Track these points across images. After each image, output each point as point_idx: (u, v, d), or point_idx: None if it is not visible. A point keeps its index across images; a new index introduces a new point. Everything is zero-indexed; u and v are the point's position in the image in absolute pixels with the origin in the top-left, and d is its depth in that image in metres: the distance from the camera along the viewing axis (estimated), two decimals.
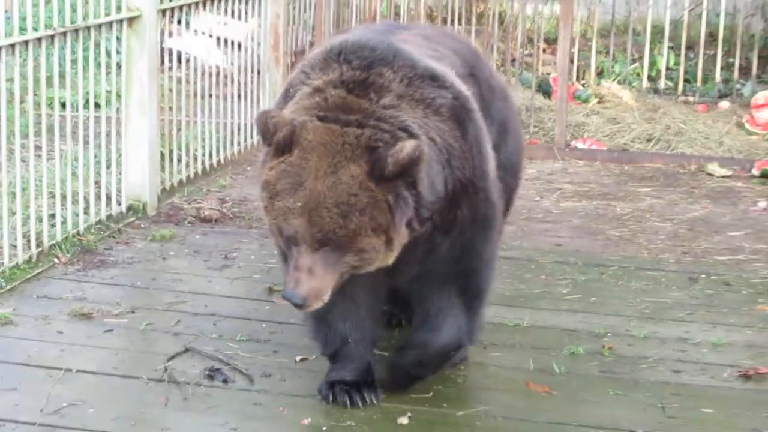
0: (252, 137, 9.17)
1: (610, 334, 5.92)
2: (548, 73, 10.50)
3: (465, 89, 4.72)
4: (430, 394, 5.20)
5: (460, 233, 4.67)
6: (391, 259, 4.41)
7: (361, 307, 4.91)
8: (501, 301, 6.27)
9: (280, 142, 4.26)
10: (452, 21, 10.51)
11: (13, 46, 6.43)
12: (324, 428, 4.85)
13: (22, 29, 6.75)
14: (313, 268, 4.23)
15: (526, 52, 10.97)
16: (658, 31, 10.87)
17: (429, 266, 4.80)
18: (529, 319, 6.08)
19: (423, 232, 4.48)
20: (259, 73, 9.34)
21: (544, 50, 11.15)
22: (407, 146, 4.14)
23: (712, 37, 11.23)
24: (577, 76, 10.61)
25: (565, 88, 9.57)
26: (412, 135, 4.28)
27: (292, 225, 4.19)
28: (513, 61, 10.50)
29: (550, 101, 10.06)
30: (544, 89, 10.41)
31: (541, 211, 8.03)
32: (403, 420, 5.00)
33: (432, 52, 4.93)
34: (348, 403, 4.84)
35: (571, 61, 9.85)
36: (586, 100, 10.44)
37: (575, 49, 10.14)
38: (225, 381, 5.25)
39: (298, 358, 5.51)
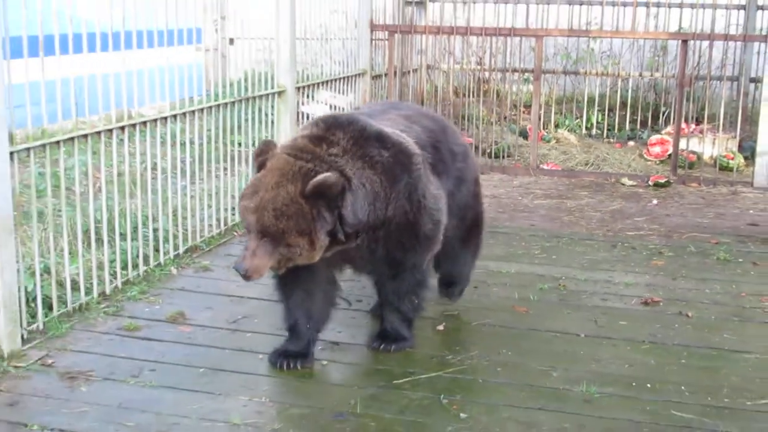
0: None
1: (564, 277, 5.82)
2: (526, 125, 10.36)
3: (410, 151, 4.26)
4: (456, 313, 5.16)
5: (384, 246, 4.22)
6: (315, 257, 3.98)
7: (314, 299, 4.39)
8: (497, 258, 6.22)
9: (257, 164, 4.07)
10: (468, 95, 10.39)
11: (211, 107, 6.45)
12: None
13: (216, 97, 6.75)
14: (256, 251, 3.90)
15: (513, 112, 10.84)
16: (591, 100, 10.74)
17: (375, 266, 4.38)
18: (516, 268, 6.00)
19: (357, 244, 4.12)
20: None
21: (523, 111, 11.03)
22: (325, 176, 3.84)
23: (623, 103, 11.16)
24: (543, 126, 10.47)
25: (536, 133, 9.52)
26: (343, 175, 3.94)
27: (247, 219, 3.92)
28: (505, 117, 10.39)
29: (527, 141, 9.94)
30: (523, 134, 10.29)
31: (522, 205, 7.94)
32: (440, 327, 4.96)
33: (402, 126, 4.48)
34: (284, 367, 4.30)
35: (540, 118, 9.73)
36: (548, 141, 10.35)
37: (542, 111, 10.00)
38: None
39: None
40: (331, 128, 4.10)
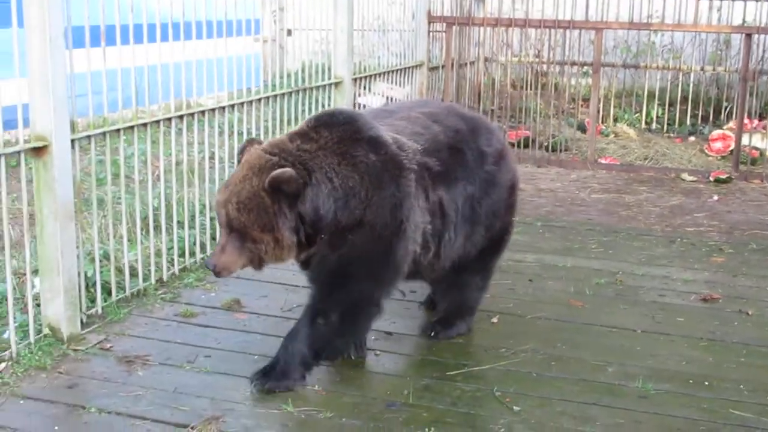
0: None
1: (621, 272, 5.74)
2: (584, 118, 10.25)
3: (403, 165, 3.91)
4: (511, 305, 5.13)
5: (345, 252, 3.84)
6: (285, 257, 3.82)
7: None
8: (553, 251, 6.17)
9: (237, 159, 3.96)
10: (526, 87, 10.31)
11: (268, 98, 6.49)
12: None
13: (274, 87, 6.79)
14: (226, 247, 3.75)
15: (571, 106, 10.73)
16: (651, 94, 10.61)
17: (314, 272, 4.01)
18: (571, 262, 5.94)
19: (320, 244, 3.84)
20: None
21: (581, 105, 10.90)
22: (282, 171, 3.65)
23: (684, 98, 10.96)
24: (602, 120, 10.36)
25: (594, 127, 9.40)
26: (305, 168, 3.73)
27: (218, 212, 3.80)
28: (563, 111, 10.28)
29: (585, 134, 9.83)
30: (581, 127, 10.19)
31: (579, 199, 7.85)
32: (494, 320, 4.93)
33: (419, 127, 4.20)
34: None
35: (598, 111, 9.62)
36: (607, 135, 10.23)
37: (600, 104, 9.89)
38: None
39: None
40: (320, 126, 3.89)
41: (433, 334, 4.58)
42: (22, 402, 3.82)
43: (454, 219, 4.19)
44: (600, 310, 5.08)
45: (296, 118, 7.04)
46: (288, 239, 3.74)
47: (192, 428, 3.60)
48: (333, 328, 3.95)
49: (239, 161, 3.90)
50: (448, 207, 4.15)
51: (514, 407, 3.88)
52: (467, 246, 4.35)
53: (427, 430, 3.66)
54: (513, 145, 9.62)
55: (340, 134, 3.85)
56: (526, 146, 9.62)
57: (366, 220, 3.81)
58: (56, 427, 3.63)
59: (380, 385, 4.09)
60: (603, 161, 9.27)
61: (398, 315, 4.89)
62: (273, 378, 3.95)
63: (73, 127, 4.43)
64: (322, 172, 3.76)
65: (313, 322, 3.94)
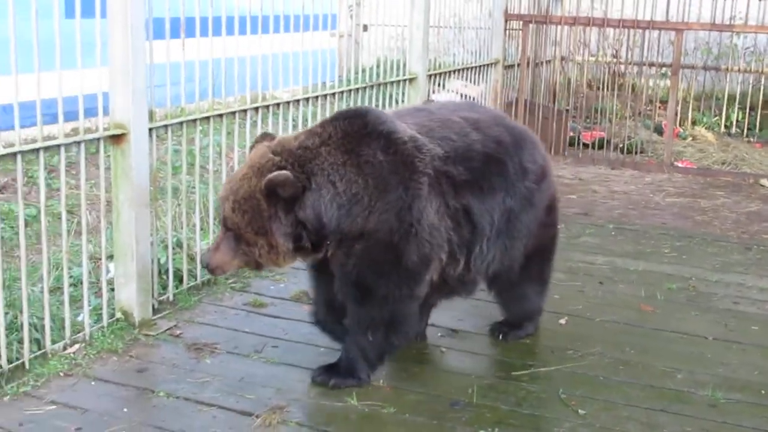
0: None
1: (693, 278, 5.64)
2: (661, 120, 10.08)
3: (415, 165, 3.70)
4: (580, 307, 5.06)
5: (357, 263, 3.70)
6: (280, 262, 3.70)
7: (330, 294, 3.95)
8: (626, 255, 6.08)
9: (250, 149, 3.85)
10: (603, 88, 10.18)
11: (342, 92, 6.52)
12: None
13: (349, 82, 6.82)
14: (221, 246, 3.65)
15: (648, 107, 10.57)
16: (731, 97, 10.38)
17: (341, 283, 3.84)
18: (643, 266, 5.85)
19: (332, 251, 3.72)
20: None
21: (659, 107, 10.72)
22: (277, 174, 3.50)
23: (766, 102, 10.68)
24: (680, 123, 10.17)
25: (672, 129, 9.24)
26: (304, 171, 3.58)
27: (221, 207, 3.69)
28: (640, 112, 10.13)
29: (662, 137, 9.67)
30: (659, 130, 10.03)
31: (653, 202, 7.72)
32: (562, 321, 4.88)
33: (453, 133, 3.94)
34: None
35: (676, 114, 9.44)
36: (684, 138, 10.05)
37: (678, 107, 9.71)
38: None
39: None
40: (329, 120, 3.76)
41: (501, 336, 4.55)
42: (93, 383, 3.91)
43: (488, 231, 3.99)
44: (671, 316, 4.99)
45: None
46: (283, 245, 3.60)
47: (257, 417, 3.64)
48: (382, 338, 3.88)
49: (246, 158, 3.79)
50: (480, 217, 3.94)
51: (580, 410, 3.84)
52: (504, 261, 4.17)
53: (490, 430, 3.64)
54: (587, 146, 9.53)
55: (345, 128, 3.67)
56: (600, 147, 9.51)
57: (368, 229, 3.64)
58: (125, 409, 3.70)
59: (445, 382, 4.08)
60: (679, 164, 9.11)
61: (465, 312, 4.87)
62: (338, 375, 3.94)
63: (151, 117, 4.51)
64: (324, 175, 3.59)
65: (363, 335, 3.87)
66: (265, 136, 3.85)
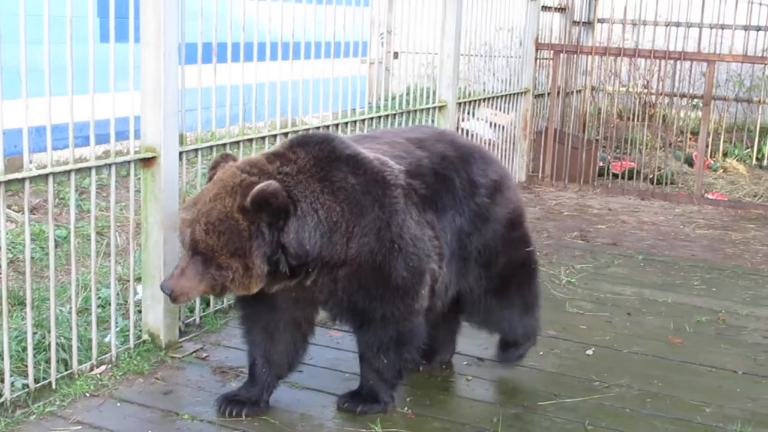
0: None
1: (723, 311, 5.57)
2: (692, 152, 10.03)
3: (386, 180, 3.64)
4: (608, 338, 5.02)
5: (344, 288, 3.62)
6: (252, 287, 3.48)
7: (276, 342, 3.82)
8: (655, 286, 6.03)
9: (208, 176, 3.63)
10: (633, 118, 10.15)
11: (372, 119, 6.55)
12: (541, 353, 4.75)
13: (378, 108, 6.85)
14: (186, 270, 3.44)
15: (679, 138, 10.52)
16: (763, 129, 10.32)
17: (337, 311, 3.80)
18: (672, 298, 5.79)
19: (312, 282, 3.59)
20: (513, 143, 9.25)
21: (690, 138, 10.66)
22: (266, 184, 3.35)
23: None
24: (711, 154, 10.12)
25: (702, 161, 9.18)
26: (289, 196, 3.44)
27: (183, 232, 3.48)
28: (670, 143, 10.08)
29: (692, 168, 9.61)
30: (689, 161, 9.98)
31: (683, 234, 7.66)
32: (589, 352, 4.84)
33: (400, 151, 3.89)
34: (227, 413, 3.83)
35: (707, 145, 9.40)
36: (715, 170, 9.99)
37: (710, 138, 9.66)
38: None
39: None
40: (295, 146, 3.62)
41: (499, 359, 4.51)
42: (119, 404, 3.93)
43: (446, 251, 3.87)
44: (700, 349, 4.93)
45: None
46: (259, 267, 3.42)
47: None
48: (395, 356, 3.82)
49: (210, 178, 3.60)
50: (441, 235, 3.85)
51: None
52: (461, 284, 4.07)
53: None
54: (617, 176, 9.48)
55: (316, 154, 3.58)
56: (630, 178, 9.47)
57: (349, 255, 3.56)
58: (149, 431, 3.71)
59: (469, 410, 4.05)
60: (710, 196, 9.04)
61: (491, 342, 4.84)
62: (363, 401, 3.91)
63: (181, 140, 4.55)
64: (307, 203, 3.48)
65: (377, 358, 3.81)
66: (226, 157, 3.69)
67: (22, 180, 3.75)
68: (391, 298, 3.67)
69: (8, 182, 3.68)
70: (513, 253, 4.20)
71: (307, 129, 5.68)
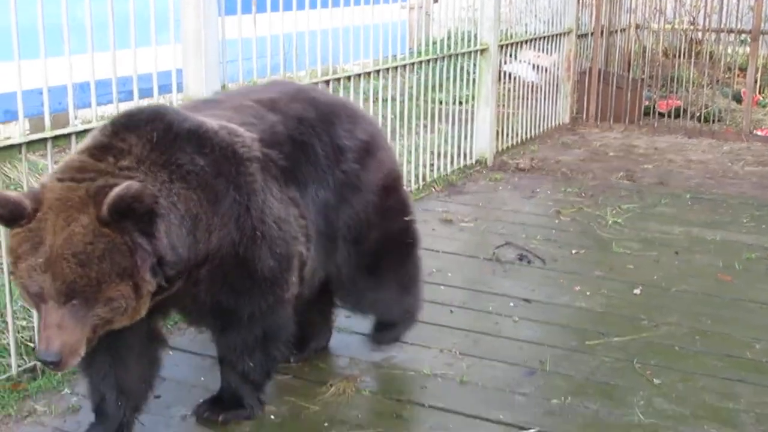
0: (552, 122, 8.97)
1: None
2: (740, 88, 9.81)
3: (238, 155, 3.06)
4: (656, 277, 4.98)
5: (207, 289, 3.06)
6: (142, 310, 2.82)
7: (127, 365, 3.16)
8: (703, 225, 5.96)
9: (16, 215, 2.69)
10: (679, 56, 9.93)
11: (413, 64, 6.51)
12: (588, 293, 4.74)
13: (419, 54, 6.80)
14: (62, 323, 2.65)
15: (726, 75, 10.28)
16: None
17: (197, 316, 3.27)
18: (721, 236, 5.72)
19: (176, 286, 2.94)
20: (557, 85, 9.12)
21: (737, 75, 10.42)
22: (125, 186, 2.64)
23: None
24: (759, 90, 9.90)
25: (751, 97, 9.00)
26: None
27: (36, 281, 2.65)
28: (718, 80, 9.86)
29: (741, 105, 9.42)
30: (737, 98, 9.78)
31: (731, 172, 7.53)
32: (637, 291, 4.79)
33: (250, 116, 3.30)
34: None
35: (756, 81, 9.18)
36: (764, 106, 9.80)
37: (758, 74, 9.42)
38: (529, 262, 5.17)
39: (574, 251, 5.39)
40: (120, 132, 2.91)
41: (372, 339, 4.02)
42: (171, 353, 3.97)
43: (311, 232, 3.37)
44: (750, 286, 4.88)
45: (441, 85, 7.04)
46: (150, 284, 2.78)
47: (330, 385, 3.68)
48: (263, 357, 3.33)
49: (34, 212, 2.70)
50: (304, 211, 3.34)
51: (655, 380, 3.78)
52: (329, 266, 3.56)
53: (564, 399, 3.61)
54: (663, 115, 9.32)
55: (149, 137, 2.90)
56: (677, 116, 9.31)
57: (211, 250, 2.99)
58: (202, 378, 3.78)
59: (518, 352, 4.06)
60: (759, 133, 8.87)
61: (537, 283, 4.85)
62: (226, 409, 3.42)
63: (224, 90, 4.55)
64: (164, 197, 2.83)
65: (242, 362, 3.32)
66: (31, 193, 2.78)
67: (69, 135, 3.79)
68: (259, 291, 3.17)
69: (55, 138, 3.72)
70: (388, 225, 3.71)
71: (348, 76, 5.66)
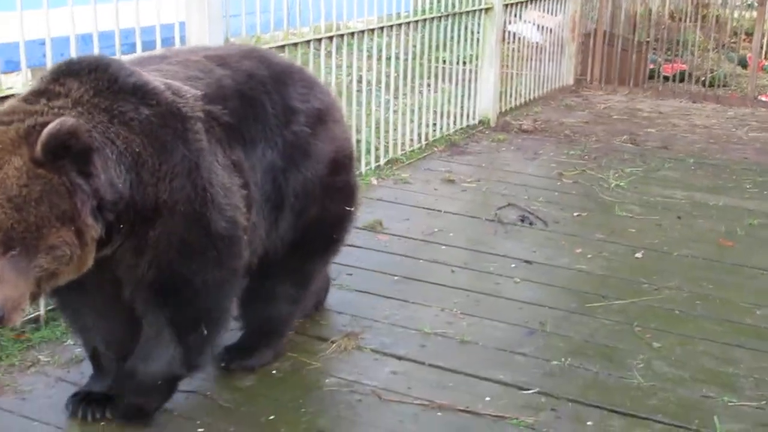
0: (556, 84, 8.92)
1: None
2: (746, 53, 9.76)
3: (183, 113, 2.86)
4: (657, 241, 4.98)
5: (155, 257, 2.82)
6: (88, 259, 2.64)
7: (110, 317, 3.08)
8: (706, 190, 5.96)
9: None
10: (685, 19, 9.86)
11: (417, 22, 6.47)
12: (589, 255, 4.75)
13: (423, 11, 6.76)
14: (3, 276, 2.47)
15: (732, 39, 10.22)
16: None
17: (134, 290, 2.92)
18: (724, 202, 5.71)
19: (117, 246, 2.76)
20: (561, 46, 9.06)
21: (743, 39, 10.35)
22: (58, 122, 2.48)
23: None
24: (765, 56, 9.84)
25: (756, 63, 8.95)
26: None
27: None
28: (724, 45, 9.80)
29: (746, 70, 9.38)
30: (743, 63, 9.72)
31: (735, 137, 7.52)
32: (638, 255, 4.80)
33: (197, 71, 3.13)
34: (88, 417, 3.10)
35: (761, 46, 9.14)
36: None
37: (764, 39, 9.38)
38: (530, 223, 5.18)
39: (575, 214, 5.39)
40: (61, 78, 2.75)
41: (224, 364, 3.49)
42: None
43: (255, 195, 3.16)
44: (752, 252, 4.89)
45: (444, 44, 6.99)
46: (93, 228, 2.61)
47: (332, 342, 3.70)
48: (205, 336, 3.04)
49: None
50: (249, 176, 3.11)
51: (654, 343, 3.80)
52: (273, 238, 3.32)
53: (563, 360, 3.64)
54: (667, 78, 9.27)
55: (93, 84, 2.74)
56: (681, 80, 9.27)
57: (162, 201, 2.79)
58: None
59: (518, 312, 4.07)
60: (764, 99, 8.84)
61: (539, 244, 4.86)
62: (128, 409, 3.12)
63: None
64: (98, 132, 2.66)
65: (180, 339, 3.00)
66: None
67: None
68: (215, 255, 2.95)
69: None
70: (327, 206, 3.46)
71: (351, 33, 5.62)
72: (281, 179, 3.24)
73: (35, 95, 2.70)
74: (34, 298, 2.64)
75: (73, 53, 3.76)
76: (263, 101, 3.21)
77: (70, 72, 2.76)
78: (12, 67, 4.78)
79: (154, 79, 2.92)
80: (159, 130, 2.79)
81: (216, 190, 2.90)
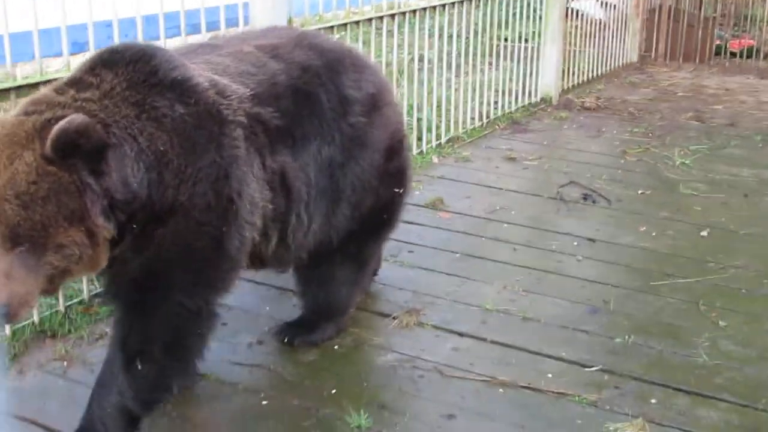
0: (619, 61, 8.80)
1: None
2: None
3: (223, 116, 2.78)
4: (723, 219, 4.90)
5: (153, 256, 2.70)
6: (101, 259, 2.60)
7: None
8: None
9: None
10: None
11: (478, 0, 6.45)
12: (653, 234, 4.70)
13: None
14: (11, 272, 2.43)
15: None
16: None
17: (113, 288, 2.82)
18: None
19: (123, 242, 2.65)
20: (625, 22, 8.93)
21: None
22: (68, 120, 2.41)
23: None
24: None
25: None
26: (98, 122, 2.52)
27: None
28: None
29: None
30: None
31: None
32: (704, 233, 4.74)
33: (249, 65, 3.04)
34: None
35: None
36: None
37: None
38: (593, 201, 5.13)
39: (639, 192, 5.33)
40: (98, 67, 2.68)
41: (287, 339, 3.54)
42: (238, 282, 4.06)
43: (305, 195, 3.11)
44: None
45: (506, 22, 6.95)
46: (105, 228, 2.54)
47: (394, 318, 3.73)
48: (158, 368, 2.83)
49: None
50: (295, 179, 3.05)
51: (720, 322, 3.76)
52: (328, 230, 3.29)
53: (627, 338, 3.61)
54: (735, 54, 9.08)
55: (129, 77, 2.67)
56: (749, 56, 9.07)
57: (180, 202, 2.68)
58: (267, 307, 3.86)
59: (581, 290, 4.05)
60: None
61: (602, 222, 4.82)
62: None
63: (289, 24, 4.56)
64: (120, 128, 2.59)
65: (130, 364, 2.79)
66: None
67: None
68: (209, 275, 2.85)
69: None
70: (381, 194, 3.43)
71: (413, 10, 5.62)
72: (339, 174, 3.21)
73: (68, 84, 2.65)
74: (48, 293, 2.61)
75: (140, 35, 3.83)
76: (319, 94, 3.15)
77: (108, 61, 2.69)
78: (78, 48, 4.87)
79: (201, 74, 2.85)
80: (192, 130, 2.71)
81: (243, 204, 2.82)
